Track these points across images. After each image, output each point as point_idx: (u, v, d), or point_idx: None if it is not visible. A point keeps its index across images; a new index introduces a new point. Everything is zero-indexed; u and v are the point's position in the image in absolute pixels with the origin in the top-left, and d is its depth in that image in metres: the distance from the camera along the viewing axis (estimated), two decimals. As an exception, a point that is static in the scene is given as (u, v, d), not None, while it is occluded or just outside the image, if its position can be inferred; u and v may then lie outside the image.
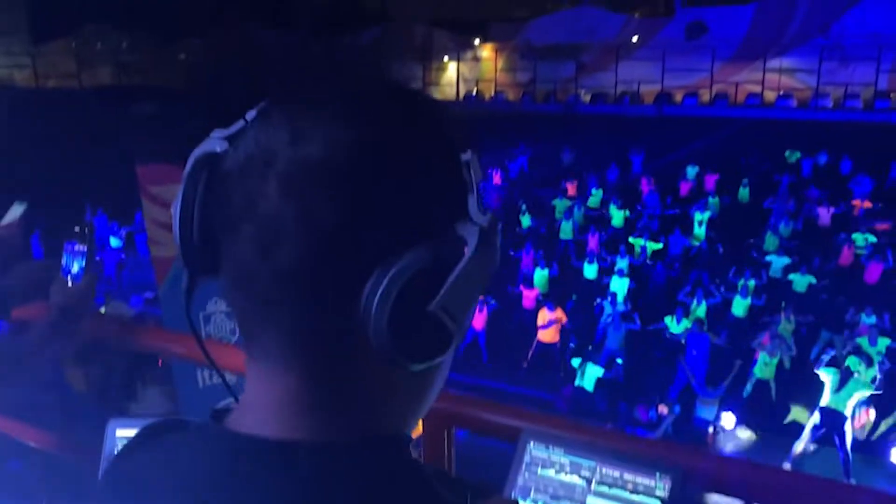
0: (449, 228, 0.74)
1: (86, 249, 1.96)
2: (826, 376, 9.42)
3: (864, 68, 60.69)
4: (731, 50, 65.47)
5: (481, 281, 0.75)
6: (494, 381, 12.91)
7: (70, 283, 1.95)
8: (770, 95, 63.40)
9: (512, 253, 16.76)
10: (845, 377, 9.25)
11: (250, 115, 0.76)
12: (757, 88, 64.26)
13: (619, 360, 11.62)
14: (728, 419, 10.30)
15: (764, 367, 11.47)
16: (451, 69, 76.18)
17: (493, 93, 73.26)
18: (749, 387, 11.76)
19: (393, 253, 0.69)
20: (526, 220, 20.06)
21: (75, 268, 1.96)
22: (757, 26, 65.68)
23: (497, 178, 25.97)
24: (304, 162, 0.69)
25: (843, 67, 60.88)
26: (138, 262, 17.74)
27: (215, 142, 0.76)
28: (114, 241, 18.76)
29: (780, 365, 11.90)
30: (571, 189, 23.71)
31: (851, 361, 9.63)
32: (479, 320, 13.04)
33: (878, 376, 9.99)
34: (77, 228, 1.98)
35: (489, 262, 0.75)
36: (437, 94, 75.53)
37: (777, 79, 64.41)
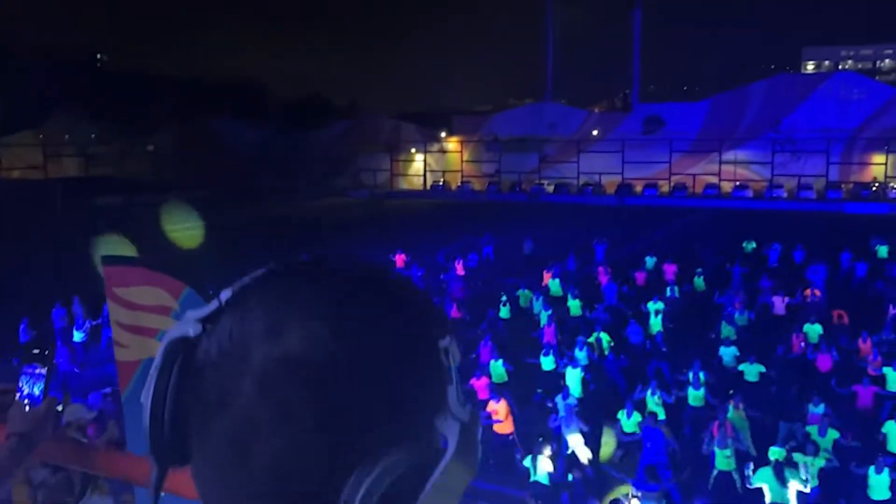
0: (429, 424, 0.71)
1: (45, 372, 1.91)
2: (761, 484, 9.41)
3: (815, 160, 63.45)
4: (688, 143, 68.13)
5: (463, 478, 0.71)
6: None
7: (28, 409, 1.89)
8: (727, 186, 65.77)
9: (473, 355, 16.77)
10: (779, 473, 9.23)
11: (225, 294, 0.73)
12: (714, 179, 66.62)
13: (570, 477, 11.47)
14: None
15: (724, 459, 11.41)
16: (418, 160, 77.91)
17: (459, 183, 75.00)
18: (712, 480, 11.66)
19: (372, 453, 0.66)
20: (505, 312, 20.24)
21: (35, 391, 1.90)
22: (711, 121, 68.58)
23: (460, 269, 26.17)
24: (280, 359, 0.66)
25: (795, 160, 63.61)
26: (100, 356, 17.25)
27: (189, 325, 0.72)
28: (77, 335, 18.37)
29: (739, 454, 11.87)
30: (535, 279, 23.95)
31: (800, 457, 9.59)
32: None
33: (814, 473, 9.92)
34: (36, 351, 1.92)
35: (470, 459, 0.72)
36: (405, 185, 76.75)
37: (733, 170, 66.92)
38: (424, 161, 77.67)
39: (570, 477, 11.42)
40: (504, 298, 20.33)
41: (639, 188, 66.98)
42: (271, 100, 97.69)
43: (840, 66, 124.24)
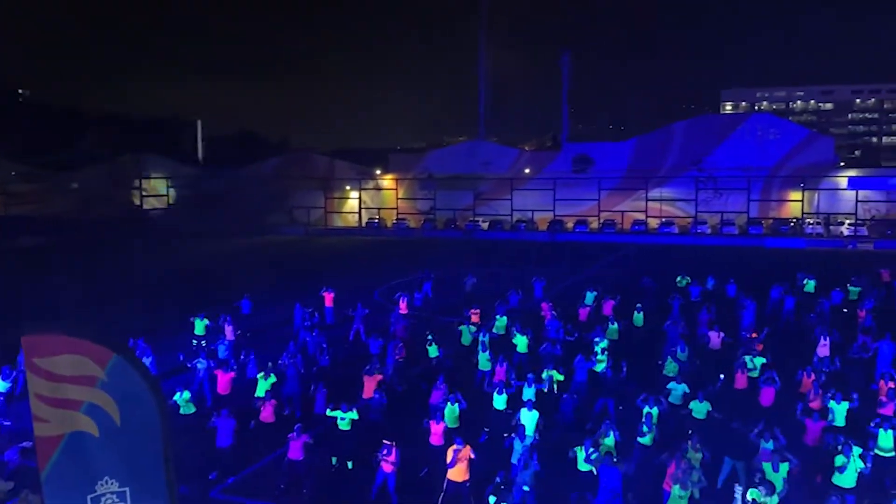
0: None
1: None
2: None
3: (736, 198, 66.17)
4: (616, 181, 70.16)
5: None
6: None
7: None
8: (653, 222, 67.81)
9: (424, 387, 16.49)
10: None
11: None
12: (641, 216, 68.63)
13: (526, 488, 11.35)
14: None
15: (678, 499, 11.41)
16: (353, 197, 77.58)
17: (394, 220, 74.96)
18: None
19: None
20: (433, 351, 19.87)
21: None
22: (637, 159, 70.84)
23: (403, 306, 25.88)
24: None
25: (717, 197, 66.20)
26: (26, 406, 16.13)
27: None
28: (0, 385, 17.21)
29: (691, 498, 11.91)
30: (475, 316, 23.88)
31: (754, 494, 9.65)
32: (386, 463, 12.46)
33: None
34: None
35: None
36: (340, 222, 75.98)
37: (658, 207, 69.12)
38: (359, 198, 77.37)
39: None
40: (430, 336, 20.14)
41: (570, 224, 68.34)
42: (201, 136, 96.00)
43: (756, 107, 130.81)
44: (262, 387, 16.43)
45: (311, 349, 20.98)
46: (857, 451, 12.09)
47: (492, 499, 10.65)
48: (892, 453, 12.48)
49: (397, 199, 76.53)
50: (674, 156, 69.90)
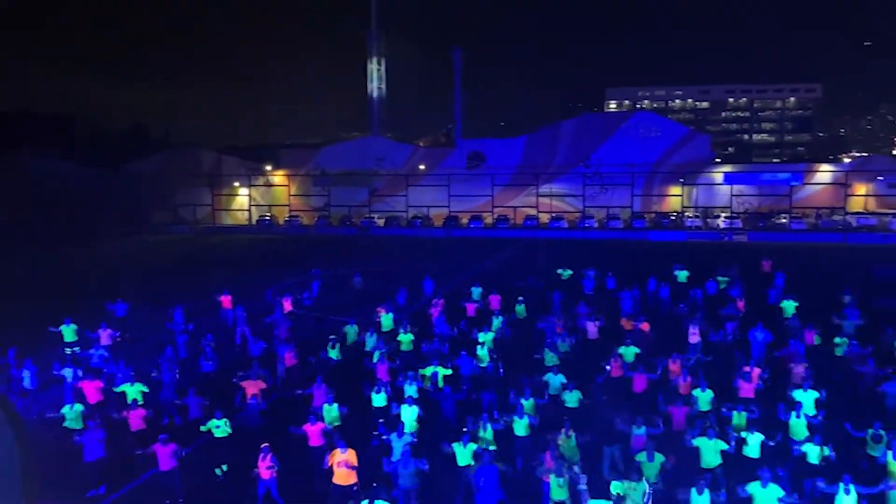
0: None
1: None
2: None
3: (620, 193, 68.80)
4: (508, 177, 71.55)
5: None
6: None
7: None
8: (544, 217, 69.51)
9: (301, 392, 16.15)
10: None
11: None
12: (533, 211, 70.26)
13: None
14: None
15: (558, 489, 11.68)
16: (242, 194, 75.45)
17: (287, 217, 73.45)
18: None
19: None
20: (335, 353, 19.50)
21: None
22: (528, 156, 72.50)
23: (288, 305, 25.31)
24: None
25: (603, 192, 68.66)
26: None
27: None
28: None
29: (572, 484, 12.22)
30: (368, 314, 23.63)
31: (618, 487, 9.89)
32: (264, 469, 12.10)
33: (649, 492, 10.50)
34: None
35: None
36: (229, 220, 73.71)
37: (549, 203, 71.00)
38: (249, 195, 75.35)
39: None
40: (333, 338, 19.76)
41: (465, 220, 69.12)
42: (82, 132, 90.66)
43: (638, 106, 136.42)
44: (131, 394, 15.65)
45: (197, 353, 20.16)
46: (715, 445, 12.79)
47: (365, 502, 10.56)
48: (746, 433, 13.21)
49: (289, 195, 75.05)
50: (563, 153, 71.95)
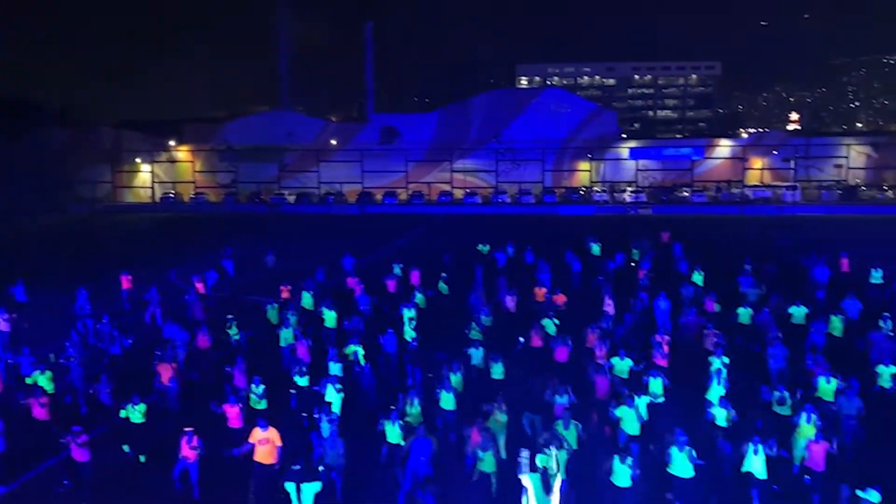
0: None
1: None
2: (528, 481, 9.80)
3: (532, 168, 69.88)
4: (422, 153, 71.38)
5: None
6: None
7: None
8: (458, 193, 69.84)
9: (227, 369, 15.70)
10: (546, 479, 9.73)
11: None
12: (447, 187, 70.44)
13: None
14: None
15: (482, 462, 11.81)
16: (144, 171, 72.30)
17: (192, 194, 70.92)
18: (475, 475, 11.98)
19: None
20: (234, 332, 18.90)
21: None
22: (441, 131, 72.52)
23: (200, 287, 24.46)
24: None
25: (515, 168, 69.56)
26: None
27: None
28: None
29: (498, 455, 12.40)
30: (285, 292, 23.24)
31: (543, 460, 10.08)
32: (189, 450, 11.71)
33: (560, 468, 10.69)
34: None
35: None
36: (131, 198, 70.52)
37: (463, 178, 71.35)
38: (152, 172, 72.27)
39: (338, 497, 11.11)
40: (231, 318, 19.13)
41: (379, 196, 68.61)
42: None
43: (548, 82, 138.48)
44: (40, 382, 14.79)
45: (104, 337, 19.23)
46: (642, 400, 13.24)
47: (290, 485, 10.39)
48: (662, 399, 13.74)
49: (194, 172, 72.45)
50: (475, 128, 72.32)
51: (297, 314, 19.78)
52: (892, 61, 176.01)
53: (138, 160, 72.47)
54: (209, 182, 72.11)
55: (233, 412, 13.31)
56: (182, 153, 73.30)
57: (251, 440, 11.85)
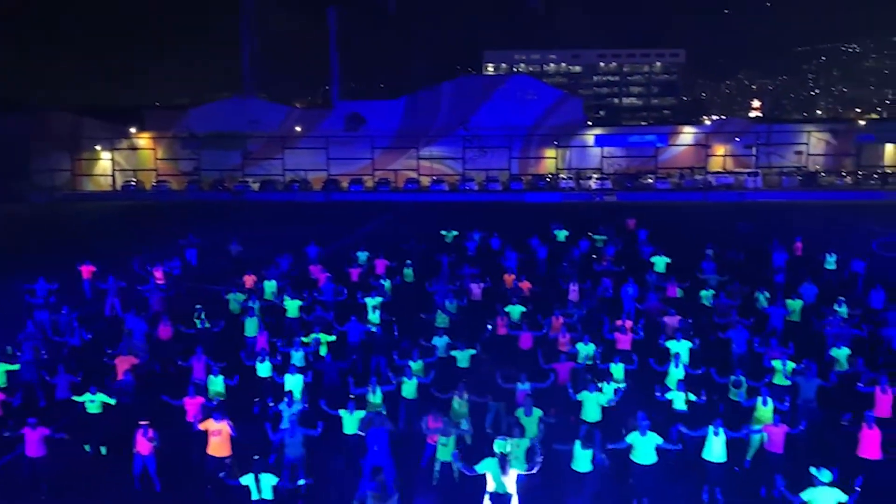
0: None
1: None
2: (486, 467, 9.85)
3: (499, 155, 69.94)
4: (388, 140, 70.97)
5: None
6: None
7: None
8: (425, 181, 69.66)
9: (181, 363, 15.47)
10: (503, 463, 9.78)
11: None
12: (414, 174, 70.20)
13: (302, 481, 11.01)
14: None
15: (442, 448, 11.81)
16: (105, 158, 70.81)
17: (154, 182, 69.66)
18: (436, 472, 12.00)
19: None
20: (201, 322, 18.55)
21: None
22: (408, 118, 72.14)
23: (159, 274, 24.06)
24: None
25: (482, 155, 69.56)
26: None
27: None
28: None
29: (460, 442, 12.41)
30: (249, 281, 22.93)
31: (500, 446, 10.09)
32: (144, 444, 11.51)
33: (538, 453, 10.74)
34: None
35: None
36: (91, 186, 69.06)
37: (430, 166, 71.15)
38: (112, 160, 70.81)
39: (300, 482, 10.99)
40: (199, 308, 18.88)
41: (344, 184, 68.12)
42: None
43: (515, 69, 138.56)
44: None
45: (63, 328, 18.81)
46: (609, 387, 13.36)
47: (247, 478, 10.27)
48: (624, 384, 13.86)
49: (156, 159, 71.16)
50: (442, 115, 72.07)
51: (260, 304, 19.55)
52: (850, 49, 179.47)
53: (98, 147, 70.92)
54: (171, 170, 70.94)
55: (192, 405, 13.12)
56: (143, 140, 71.93)
57: (203, 428, 11.76)
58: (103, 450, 12.99)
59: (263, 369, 15.00)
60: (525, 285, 21.95)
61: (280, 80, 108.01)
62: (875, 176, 65.67)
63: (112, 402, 13.34)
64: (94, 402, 13.13)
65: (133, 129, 71.96)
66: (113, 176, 70.54)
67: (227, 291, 21.29)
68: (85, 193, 68.07)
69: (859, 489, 9.58)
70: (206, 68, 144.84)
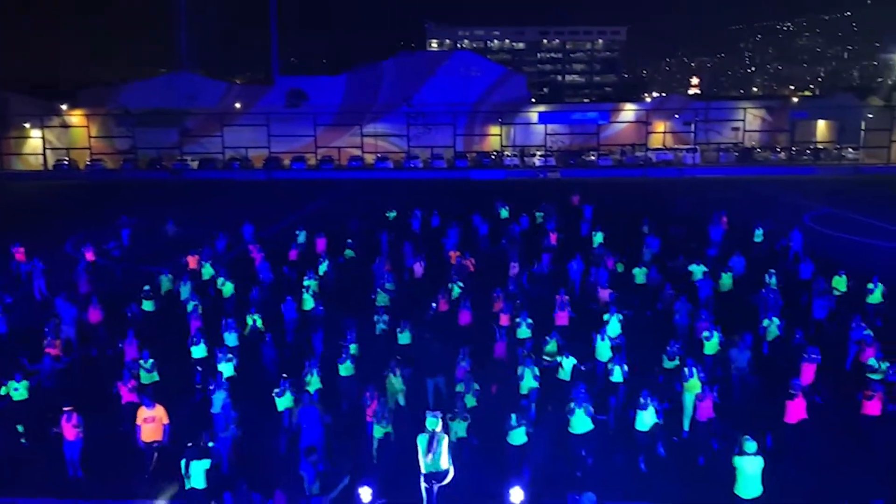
0: None
1: None
2: (418, 445, 9.85)
3: (443, 132, 69.61)
4: (331, 116, 69.84)
5: None
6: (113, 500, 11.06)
7: None
8: (370, 158, 68.96)
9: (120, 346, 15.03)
10: (431, 441, 9.78)
11: None
12: (358, 152, 69.35)
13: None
14: (365, 493, 9.88)
15: (382, 429, 11.72)
16: (35, 137, 67.98)
17: (88, 161, 67.20)
18: (374, 452, 11.92)
19: None
20: (148, 304, 18.05)
21: None
22: (351, 95, 71.10)
23: (90, 255, 23.27)
24: None
25: (427, 132, 69.12)
26: None
27: None
28: None
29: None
30: (192, 262, 22.36)
31: (430, 423, 9.96)
32: (70, 429, 11.12)
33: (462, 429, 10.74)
34: None
35: None
36: (20, 165, 66.27)
37: (374, 143, 70.38)
38: (43, 138, 68.07)
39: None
40: (147, 288, 18.48)
41: (286, 162, 66.94)
42: None
43: (459, 45, 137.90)
44: None
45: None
46: (568, 361, 13.46)
47: (184, 462, 10.05)
48: (558, 358, 13.97)
49: (90, 137, 68.67)
50: (385, 91, 71.27)
51: (191, 284, 19.11)
52: (785, 28, 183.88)
53: (27, 125, 68.04)
54: (106, 148, 68.55)
55: (125, 388, 12.77)
56: (75, 118, 69.25)
57: (137, 421, 11.47)
58: (20, 427, 12.54)
59: (198, 351, 14.68)
60: (469, 262, 21.96)
61: (219, 56, 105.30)
62: (808, 151, 67.69)
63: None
64: (17, 390, 12.66)
65: (64, 106, 69.22)
66: (44, 155, 67.84)
67: (158, 273, 20.75)
68: (14, 173, 65.38)
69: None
70: (140, 43, 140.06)
